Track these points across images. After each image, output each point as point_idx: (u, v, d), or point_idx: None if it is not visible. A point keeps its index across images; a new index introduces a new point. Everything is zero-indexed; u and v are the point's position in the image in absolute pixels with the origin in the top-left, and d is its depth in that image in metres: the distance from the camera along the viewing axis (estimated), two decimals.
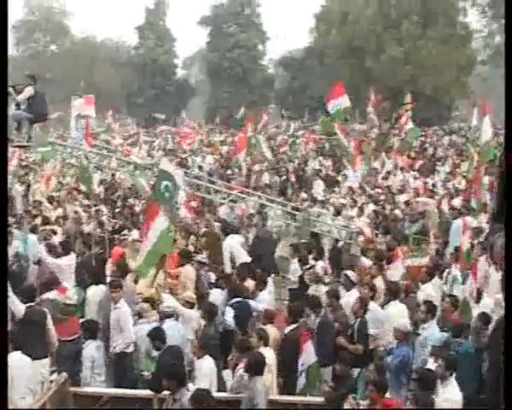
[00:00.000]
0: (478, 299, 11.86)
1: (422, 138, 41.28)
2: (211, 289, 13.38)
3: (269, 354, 9.77)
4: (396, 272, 14.15)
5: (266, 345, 10.06)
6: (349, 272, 13.34)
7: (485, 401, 9.36)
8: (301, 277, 14.73)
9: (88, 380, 10.36)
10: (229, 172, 29.84)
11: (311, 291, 13.19)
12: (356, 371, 10.56)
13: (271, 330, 10.99)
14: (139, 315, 11.51)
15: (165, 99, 73.90)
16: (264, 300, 12.75)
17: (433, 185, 25.15)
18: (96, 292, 12.28)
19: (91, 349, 10.54)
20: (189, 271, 13.31)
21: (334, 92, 21.72)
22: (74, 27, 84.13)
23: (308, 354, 10.03)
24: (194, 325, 11.32)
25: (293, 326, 11.11)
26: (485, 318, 10.41)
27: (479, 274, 12.30)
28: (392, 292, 12.00)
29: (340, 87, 21.89)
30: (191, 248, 15.43)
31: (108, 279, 12.54)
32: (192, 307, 11.65)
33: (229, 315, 11.73)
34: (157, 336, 10.22)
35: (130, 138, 46.10)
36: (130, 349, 10.98)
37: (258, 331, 10.39)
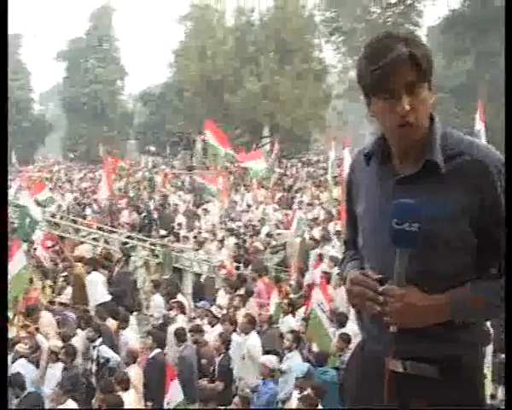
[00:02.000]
0: (340, 324, 11.90)
1: (281, 170, 41.93)
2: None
3: (129, 398, 9.54)
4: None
5: (126, 389, 9.81)
6: (212, 308, 13.34)
7: None
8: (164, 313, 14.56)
9: None
10: (88, 210, 29.10)
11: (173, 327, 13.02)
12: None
13: (135, 370, 10.76)
14: None
15: (21, 135, 71.40)
16: (128, 338, 12.48)
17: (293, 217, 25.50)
18: None
19: None
20: (45, 316, 12.71)
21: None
22: None
23: (174, 393, 9.84)
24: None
25: (157, 351, 11.06)
26: (346, 337, 10.60)
27: (341, 300, 12.52)
28: (250, 323, 11.93)
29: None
30: (48, 289, 14.93)
31: None
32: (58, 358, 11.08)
33: (104, 351, 11.40)
34: (16, 383, 9.78)
35: None
36: None
37: (116, 376, 10.12)
